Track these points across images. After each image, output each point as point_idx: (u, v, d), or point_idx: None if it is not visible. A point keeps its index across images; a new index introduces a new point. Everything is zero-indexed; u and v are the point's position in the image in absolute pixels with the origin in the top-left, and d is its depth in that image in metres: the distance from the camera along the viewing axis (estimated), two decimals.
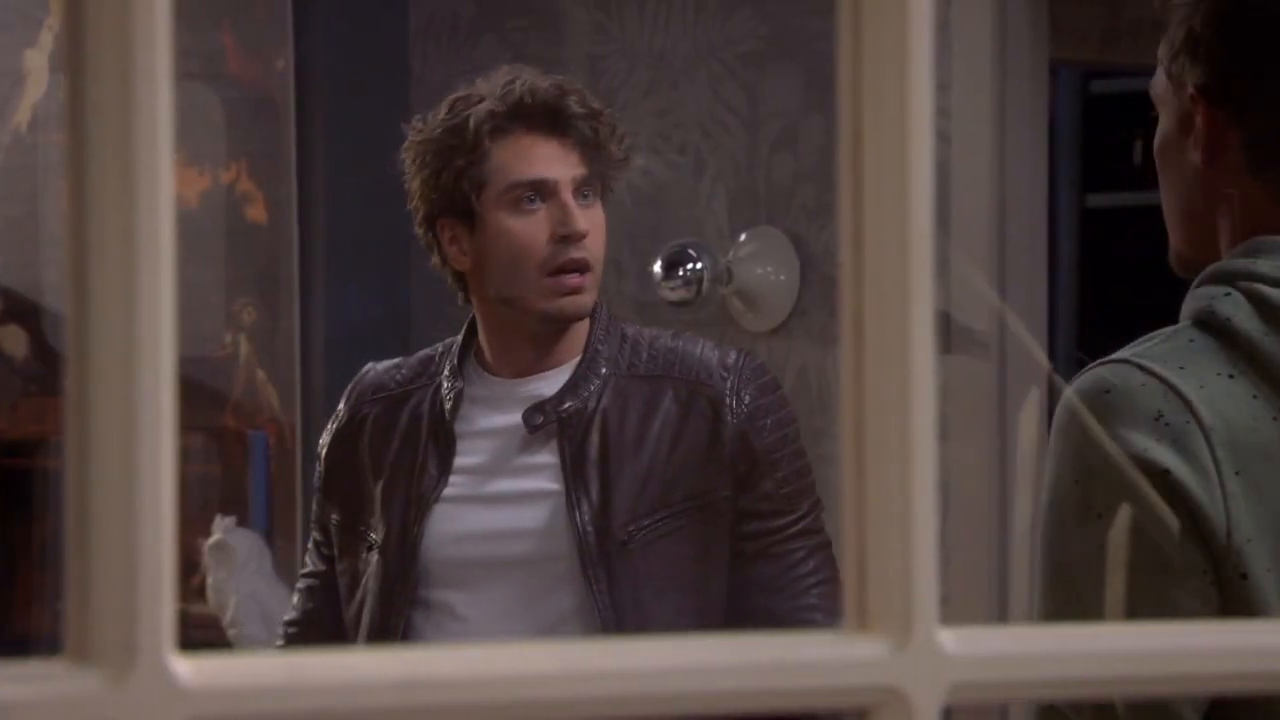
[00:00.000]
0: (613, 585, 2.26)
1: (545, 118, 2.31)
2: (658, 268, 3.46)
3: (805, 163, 3.46)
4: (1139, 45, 3.98)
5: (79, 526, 0.56)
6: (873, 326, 0.61)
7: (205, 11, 3.86)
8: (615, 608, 2.25)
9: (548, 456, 2.31)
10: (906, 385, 0.59)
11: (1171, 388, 1.46)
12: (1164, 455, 1.44)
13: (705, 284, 3.42)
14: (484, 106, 2.32)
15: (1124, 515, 1.44)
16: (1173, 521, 1.44)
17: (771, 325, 3.45)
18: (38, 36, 4.02)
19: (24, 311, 4.00)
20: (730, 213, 3.52)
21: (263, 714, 0.58)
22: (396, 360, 2.47)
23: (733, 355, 2.35)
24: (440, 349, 2.44)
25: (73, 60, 0.56)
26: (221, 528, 3.71)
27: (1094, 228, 5.36)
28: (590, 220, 2.32)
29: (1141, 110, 6.09)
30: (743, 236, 3.48)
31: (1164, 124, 1.58)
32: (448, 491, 2.34)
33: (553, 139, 2.32)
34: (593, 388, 2.32)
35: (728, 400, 2.30)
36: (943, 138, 3.16)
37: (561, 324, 2.33)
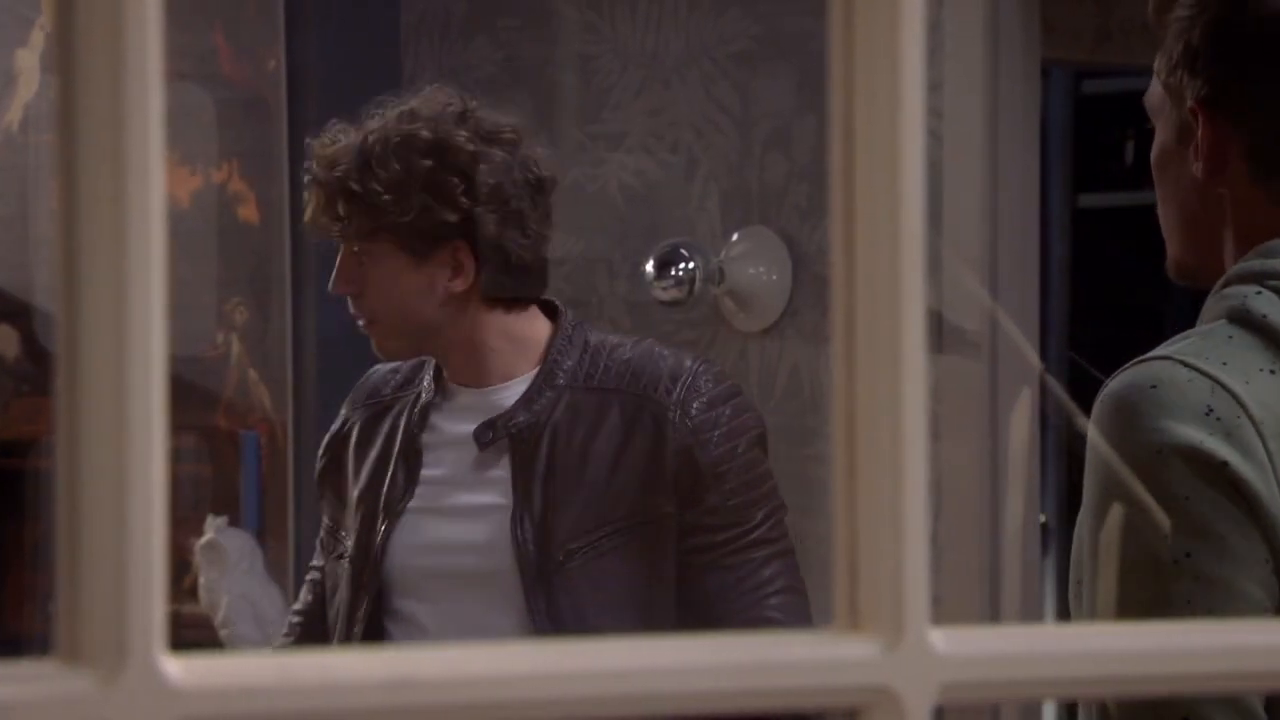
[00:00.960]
0: (551, 603, 2.24)
1: (321, 174, 2.35)
2: (650, 267, 3.46)
3: (798, 162, 3.45)
4: (1131, 45, 3.98)
5: (70, 527, 0.56)
6: (864, 326, 0.61)
7: (197, 11, 3.85)
8: (556, 625, 2.23)
9: (501, 470, 2.30)
10: (898, 385, 0.59)
11: (1219, 383, 1.47)
12: (1220, 448, 1.44)
13: (697, 284, 3.42)
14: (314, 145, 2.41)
15: (1184, 507, 1.45)
16: (1237, 513, 1.45)
17: (764, 325, 3.45)
18: (29, 36, 4.01)
19: (15, 311, 4.00)
20: (722, 212, 3.52)
21: (253, 714, 0.58)
22: (397, 364, 2.47)
23: (687, 364, 2.30)
24: (417, 361, 2.44)
25: (63, 60, 0.56)
26: (213, 528, 3.71)
27: (1086, 228, 5.37)
28: (361, 274, 2.32)
29: (1134, 111, 6.07)
30: (735, 236, 3.48)
31: (1161, 135, 1.60)
32: (413, 503, 2.34)
33: (328, 196, 2.34)
34: (546, 401, 2.30)
35: (671, 414, 2.25)
36: (934, 137, 3.16)
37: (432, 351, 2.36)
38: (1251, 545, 1.45)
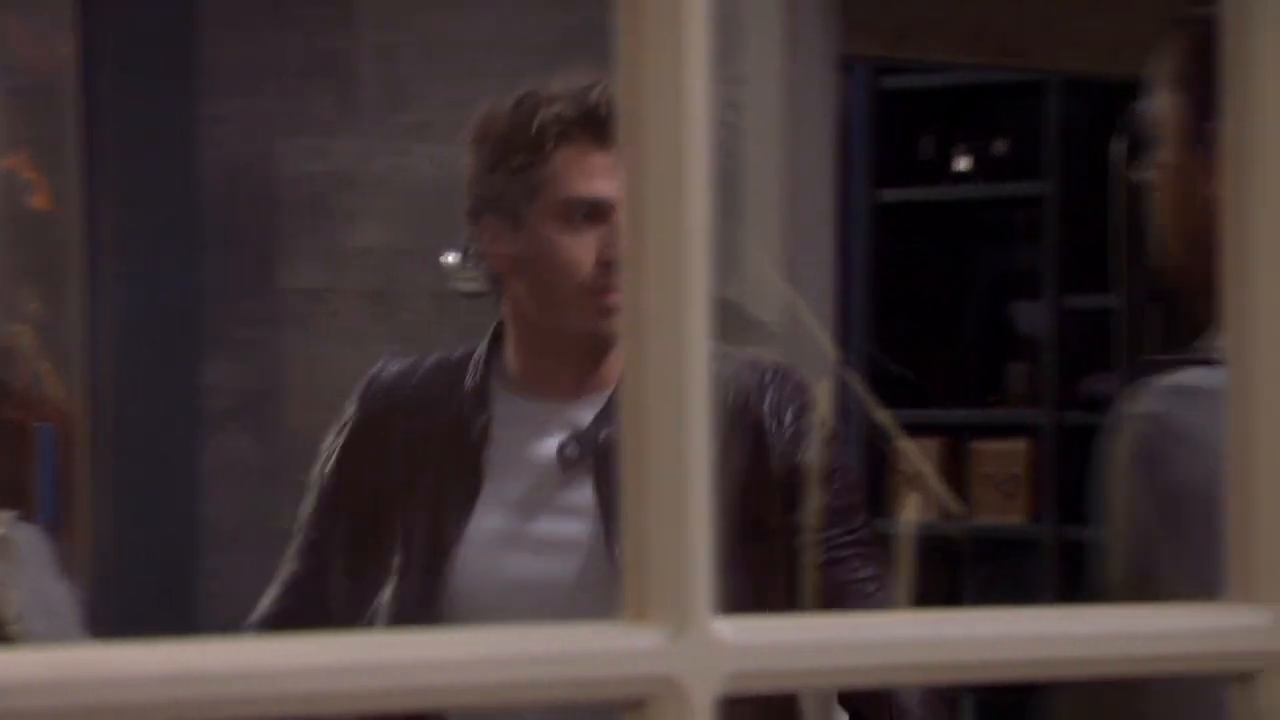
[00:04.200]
0: None
1: (616, 132, 2.15)
2: (451, 258, 3.45)
3: None
4: (930, 41, 4.04)
5: None
6: (650, 320, 0.61)
7: None
8: None
9: (582, 493, 2.13)
10: (681, 377, 0.59)
11: None
12: None
13: None
14: (554, 109, 2.13)
15: None
16: None
17: None
18: None
19: None
20: None
21: (31, 710, 0.56)
22: (407, 364, 2.26)
23: (768, 373, 2.18)
24: (456, 357, 2.24)
25: None
26: (4, 522, 3.64)
27: (886, 222, 5.43)
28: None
29: (934, 106, 6.18)
30: None
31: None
32: (483, 526, 2.14)
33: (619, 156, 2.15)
34: None
35: (768, 424, 2.14)
36: (734, 130, 3.18)
37: (599, 345, 2.13)
38: None
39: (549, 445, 2.14)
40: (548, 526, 2.13)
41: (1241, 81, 0.66)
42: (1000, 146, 5.29)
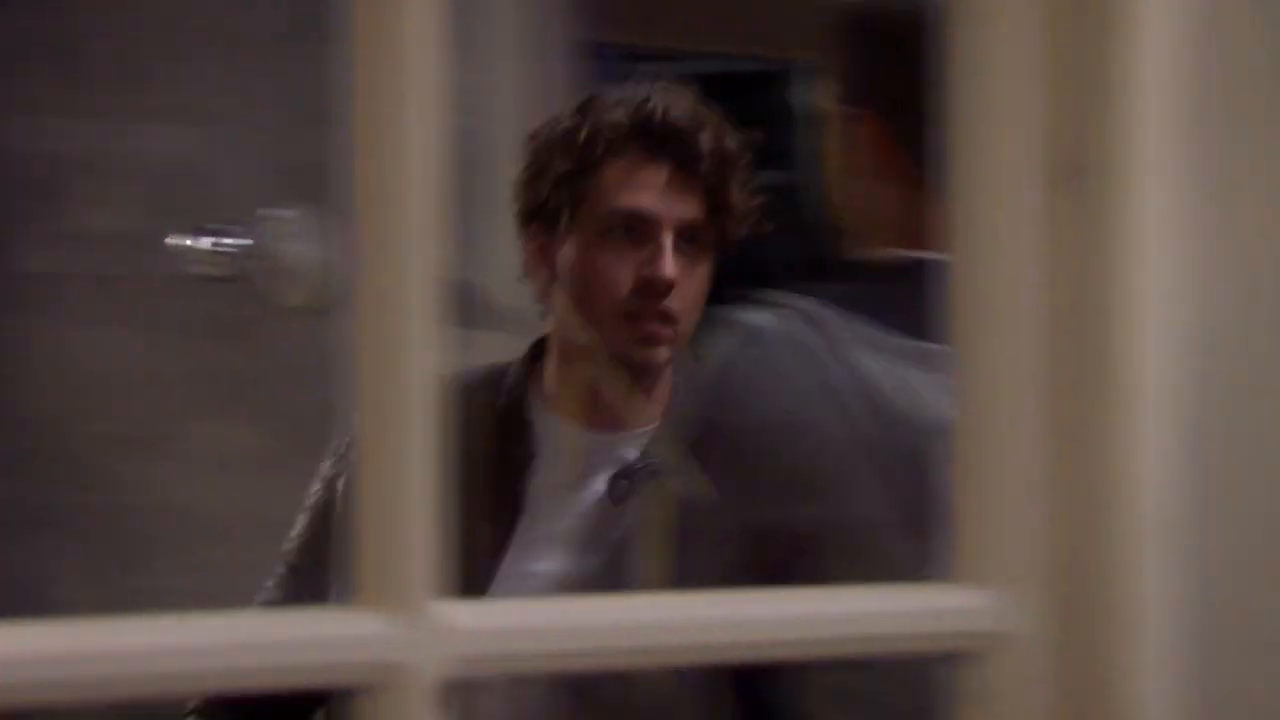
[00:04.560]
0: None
1: (670, 145, 2.03)
2: (189, 242, 3.40)
3: (341, 139, 3.43)
4: (681, 29, 4.06)
5: None
6: (376, 301, 0.60)
7: None
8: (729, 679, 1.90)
9: (621, 532, 1.97)
10: (405, 359, 0.58)
11: None
12: None
13: (237, 259, 3.38)
14: (608, 115, 2.03)
15: None
16: None
17: (307, 302, 3.43)
18: None
19: None
20: (266, 188, 3.48)
21: None
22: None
23: None
24: (477, 378, 2.09)
25: None
26: None
27: None
28: (686, 271, 2.02)
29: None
30: (278, 212, 3.45)
31: None
32: (521, 563, 2.01)
33: (672, 171, 2.03)
34: (676, 444, 1.95)
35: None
36: (474, 116, 3.17)
37: (630, 372, 2.03)
38: None
39: (593, 481, 2.04)
40: (594, 562, 2.02)
41: (964, 87, 0.66)
42: (753, 135, 5.35)
